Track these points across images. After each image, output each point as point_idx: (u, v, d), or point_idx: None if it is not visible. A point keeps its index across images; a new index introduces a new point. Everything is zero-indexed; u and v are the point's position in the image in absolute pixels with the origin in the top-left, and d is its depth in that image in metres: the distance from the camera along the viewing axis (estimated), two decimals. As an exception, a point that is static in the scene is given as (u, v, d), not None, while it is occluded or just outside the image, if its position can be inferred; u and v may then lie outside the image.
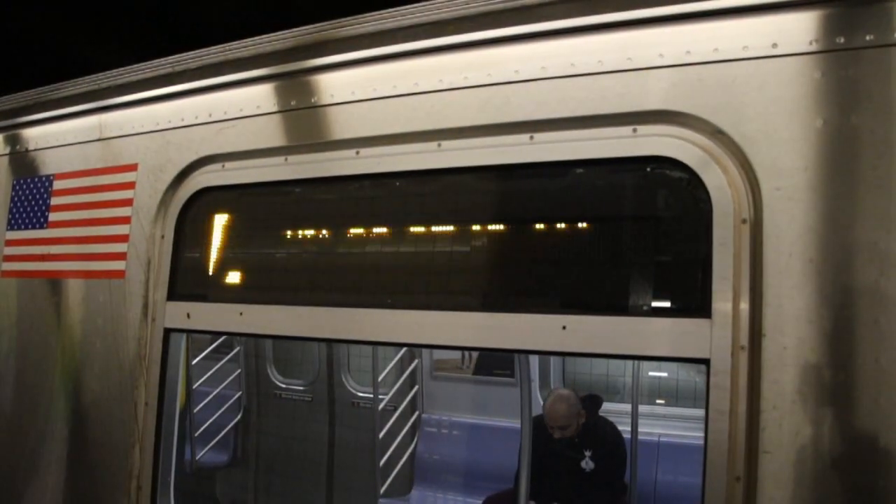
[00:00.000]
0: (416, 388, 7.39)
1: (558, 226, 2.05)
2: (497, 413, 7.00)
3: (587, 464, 5.20)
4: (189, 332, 2.77)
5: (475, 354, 7.30)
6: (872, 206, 1.67)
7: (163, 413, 2.71)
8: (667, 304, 1.91)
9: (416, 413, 7.39)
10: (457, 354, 7.49)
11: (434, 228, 2.25)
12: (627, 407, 6.05)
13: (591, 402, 5.55)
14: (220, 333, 6.11)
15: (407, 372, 7.35)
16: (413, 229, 2.28)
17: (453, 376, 7.58)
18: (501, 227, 2.14)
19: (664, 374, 6.99)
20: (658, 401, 6.91)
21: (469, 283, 2.17)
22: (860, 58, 1.73)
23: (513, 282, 2.14)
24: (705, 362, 1.80)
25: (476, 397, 7.37)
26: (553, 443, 5.28)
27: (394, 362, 7.29)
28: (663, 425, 6.51)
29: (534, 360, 6.64)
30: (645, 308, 1.92)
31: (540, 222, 2.08)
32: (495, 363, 7.19)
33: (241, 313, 2.55)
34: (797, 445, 1.68)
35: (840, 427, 1.65)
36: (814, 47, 1.77)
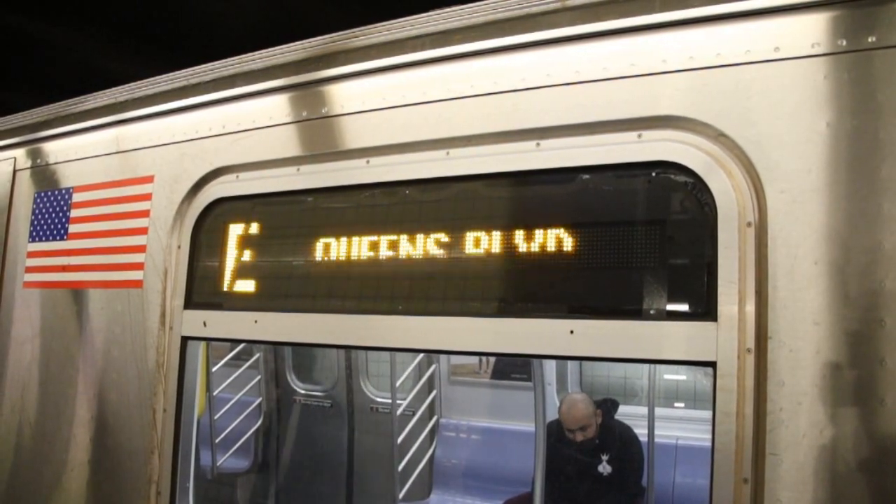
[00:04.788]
0: (434, 392, 7.40)
1: (565, 231, 2.07)
2: (515, 417, 6.99)
3: (604, 468, 5.19)
4: (205, 339, 2.82)
5: (492, 359, 7.31)
6: (877, 207, 1.67)
7: (181, 419, 2.76)
8: (673, 307, 1.92)
9: (435, 417, 7.40)
10: (474, 359, 7.49)
11: (443, 235, 2.27)
12: (645, 410, 6.02)
13: (607, 406, 5.54)
14: (235, 341, 6.18)
15: (425, 377, 7.36)
16: (422, 236, 2.31)
17: (471, 381, 7.58)
18: (509, 233, 2.16)
19: (682, 378, 6.94)
20: (676, 404, 6.87)
21: (478, 289, 2.19)
22: (863, 60, 1.73)
23: (521, 287, 2.16)
24: (712, 365, 1.81)
25: (493, 401, 7.36)
26: (570, 447, 5.27)
27: (412, 367, 7.30)
28: (681, 428, 6.47)
29: (550, 364, 6.63)
30: (651, 312, 1.93)
31: (547, 228, 2.10)
32: (512, 367, 7.18)
33: (256, 321, 2.59)
34: (804, 447, 1.68)
35: (846, 428, 1.65)
36: (816, 50, 1.78)
